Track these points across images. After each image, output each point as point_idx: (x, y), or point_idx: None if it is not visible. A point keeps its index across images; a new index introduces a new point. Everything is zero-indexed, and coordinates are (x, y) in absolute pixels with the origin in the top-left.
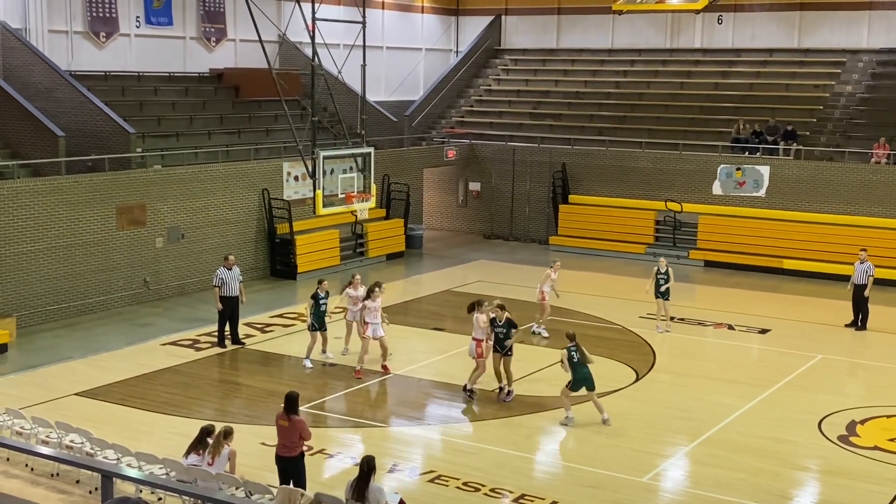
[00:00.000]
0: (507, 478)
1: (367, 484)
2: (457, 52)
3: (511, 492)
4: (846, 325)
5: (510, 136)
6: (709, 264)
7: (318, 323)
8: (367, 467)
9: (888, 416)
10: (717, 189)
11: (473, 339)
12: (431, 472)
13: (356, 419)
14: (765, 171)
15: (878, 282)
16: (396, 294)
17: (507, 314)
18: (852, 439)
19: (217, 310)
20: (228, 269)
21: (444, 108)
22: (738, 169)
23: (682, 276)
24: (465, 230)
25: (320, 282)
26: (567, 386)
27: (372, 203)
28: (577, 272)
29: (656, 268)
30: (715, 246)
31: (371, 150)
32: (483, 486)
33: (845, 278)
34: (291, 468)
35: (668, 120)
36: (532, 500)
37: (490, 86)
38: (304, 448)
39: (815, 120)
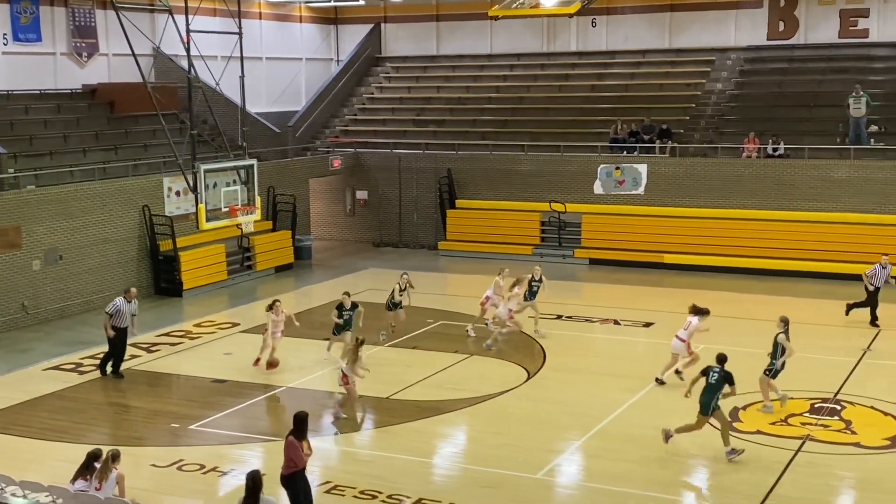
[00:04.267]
0: (404, 483)
1: (255, 499)
2: (338, 60)
3: (408, 497)
4: (871, 324)
5: (395, 143)
6: (594, 262)
7: (338, 330)
8: (253, 483)
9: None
10: (598, 188)
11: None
12: (328, 482)
13: (250, 434)
14: (643, 169)
15: (756, 272)
16: (287, 306)
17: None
18: (735, 425)
19: (108, 338)
20: (128, 302)
21: (327, 118)
22: (618, 168)
23: (568, 274)
24: (355, 239)
25: (345, 295)
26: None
27: (257, 216)
28: (467, 276)
29: (531, 275)
30: (599, 244)
31: (254, 162)
32: (380, 493)
33: (724, 270)
34: (284, 486)
35: (549, 122)
36: None
37: (373, 94)
38: (294, 469)
39: (688, 118)
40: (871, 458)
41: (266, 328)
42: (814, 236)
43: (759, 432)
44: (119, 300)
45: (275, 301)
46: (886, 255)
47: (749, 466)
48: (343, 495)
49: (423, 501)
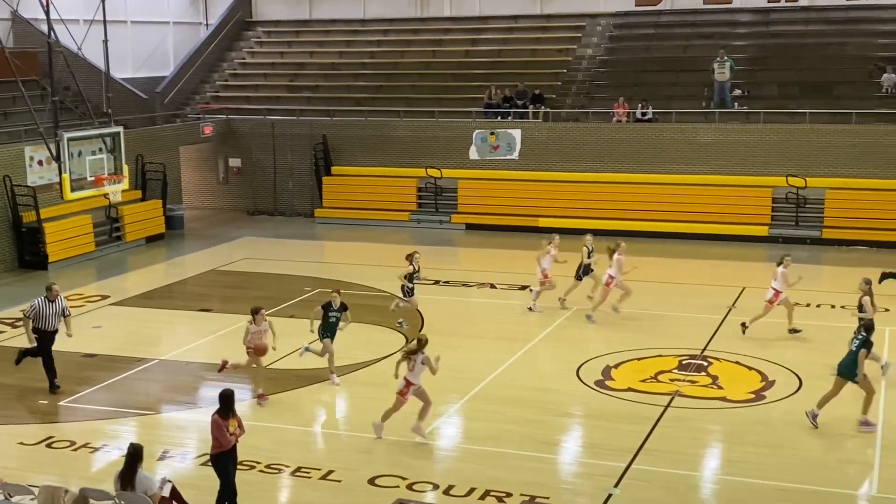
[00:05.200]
0: (283, 453)
1: (133, 472)
2: (206, 24)
3: (287, 466)
4: None
5: (268, 109)
6: (470, 227)
7: (325, 333)
8: (132, 456)
9: (639, 359)
10: (473, 154)
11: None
12: (205, 454)
13: (124, 409)
14: (517, 134)
15: (627, 233)
16: (159, 277)
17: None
18: (608, 383)
19: (30, 346)
20: (51, 301)
21: (196, 84)
22: (492, 133)
23: (445, 240)
24: (228, 207)
25: (335, 293)
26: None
27: (125, 185)
28: (344, 243)
29: (585, 247)
30: (475, 209)
31: (120, 129)
32: (259, 462)
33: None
34: (213, 467)
35: (423, 88)
36: (308, 472)
37: (244, 59)
38: (221, 449)
39: (560, 83)
40: (736, 411)
41: (246, 340)
42: (681, 198)
43: (630, 389)
44: (38, 301)
45: (259, 309)
46: None
47: (621, 422)
48: None
49: (303, 469)
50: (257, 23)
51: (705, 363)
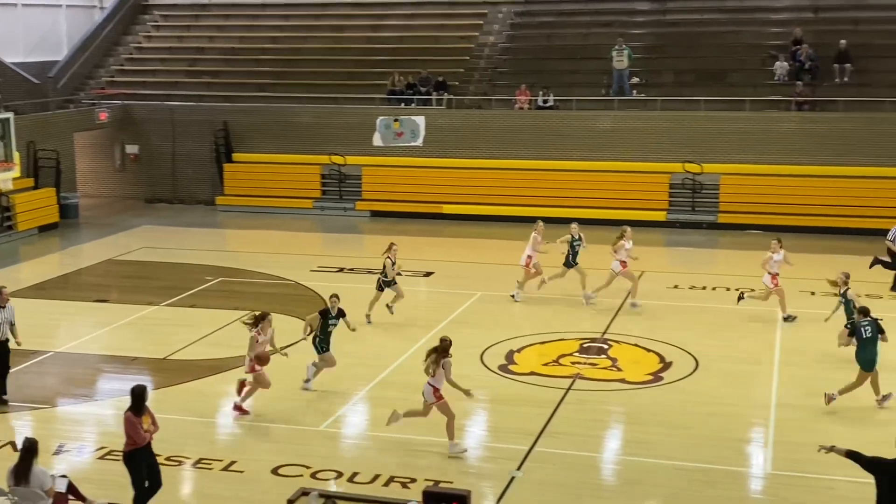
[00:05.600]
0: (186, 444)
1: (28, 466)
2: (101, 7)
3: (189, 458)
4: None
5: (166, 95)
6: (375, 214)
7: (323, 345)
8: (27, 450)
9: (542, 343)
10: (377, 140)
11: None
12: (102, 448)
13: (18, 403)
14: (420, 121)
15: (531, 220)
16: (53, 267)
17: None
18: (511, 367)
19: None
20: (1, 308)
21: (91, 69)
22: (396, 120)
23: (349, 227)
24: (126, 195)
25: (333, 298)
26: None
27: (16, 172)
28: (246, 231)
29: (570, 235)
30: (379, 196)
31: (10, 115)
32: (159, 455)
33: (501, 218)
34: (125, 465)
35: (326, 74)
36: (210, 463)
37: (140, 43)
38: (134, 446)
39: (462, 70)
40: (635, 392)
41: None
42: (582, 184)
43: (533, 373)
44: None
45: (265, 315)
46: None
47: (524, 405)
48: (118, 460)
49: (204, 461)
50: (154, 6)
51: (605, 346)
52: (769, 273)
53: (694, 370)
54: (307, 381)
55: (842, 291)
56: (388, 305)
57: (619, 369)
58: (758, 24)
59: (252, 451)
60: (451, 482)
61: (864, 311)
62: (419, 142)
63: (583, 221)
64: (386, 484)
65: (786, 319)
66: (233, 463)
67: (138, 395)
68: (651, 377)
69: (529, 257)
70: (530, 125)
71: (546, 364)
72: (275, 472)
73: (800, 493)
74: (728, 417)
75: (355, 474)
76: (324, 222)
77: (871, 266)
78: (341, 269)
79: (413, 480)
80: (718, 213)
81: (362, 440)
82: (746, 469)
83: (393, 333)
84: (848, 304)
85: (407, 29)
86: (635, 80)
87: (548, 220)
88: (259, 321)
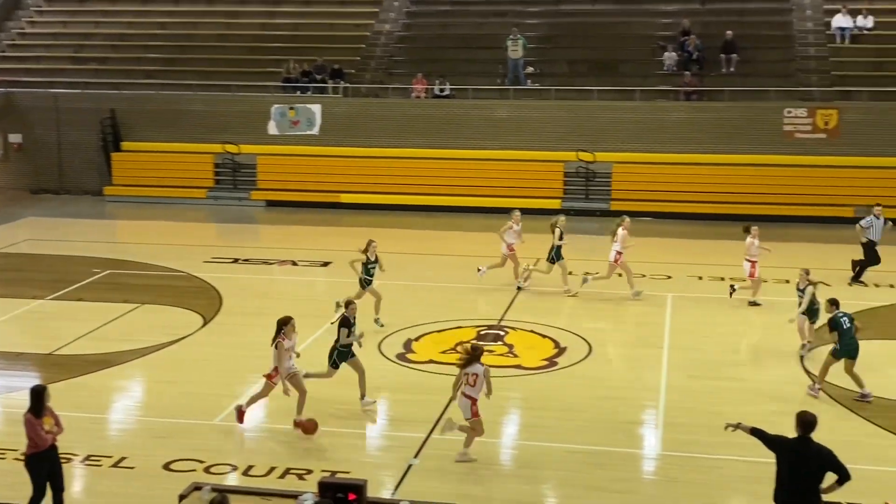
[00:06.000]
0: (73, 441)
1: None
2: None
3: (77, 454)
4: (854, 280)
5: (51, 82)
6: (271, 204)
7: (340, 358)
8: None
9: (439, 331)
10: (272, 129)
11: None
12: None
13: None
14: (317, 109)
15: (428, 209)
16: None
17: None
18: (409, 356)
19: None
20: None
21: None
22: (292, 108)
23: (244, 217)
24: (9, 186)
25: (348, 304)
26: (832, 354)
27: None
28: (136, 222)
29: (557, 229)
30: (275, 185)
31: None
32: None
33: (398, 207)
34: (26, 469)
35: (219, 61)
36: (99, 460)
37: (23, 29)
38: (35, 450)
39: (359, 58)
40: (531, 378)
41: (274, 370)
42: (479, 173)
43: (431, 361)
44: None
45: (289, 319)
46: (879, 204)
47: (422, 394)
48: (4, 458)
49: (93, 457)
50: None
51: (502, 333)
52: (748, 260)
53: (587, 355)
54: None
55: (802, 287)
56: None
57: (516, 355)
58: (647, 15)
59: (143, 446)
60: (349, 472)
61: (836, 303)
62: (315, 130)
63: (480, 210)
64: (282, 476)
65: (731, 293)
66: (123, 459)
67: (37, 395)
68: (546, 362)
69: (511, 245)
70: (427, 114)
71: (444, 352)
72: (166, 467)
73: (689, 473)
74: (620, 401)
75: (250, 467)
76: (218, 212)
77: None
78: (236, 260)
79: (309, 472)
80: (611, 201)
81: (257, 433)
82: (638, 451)
83: None
84: (809, 299)
85: (302, 16)
86: (530, 69)
87: (446, 210)
88: (282, 326)
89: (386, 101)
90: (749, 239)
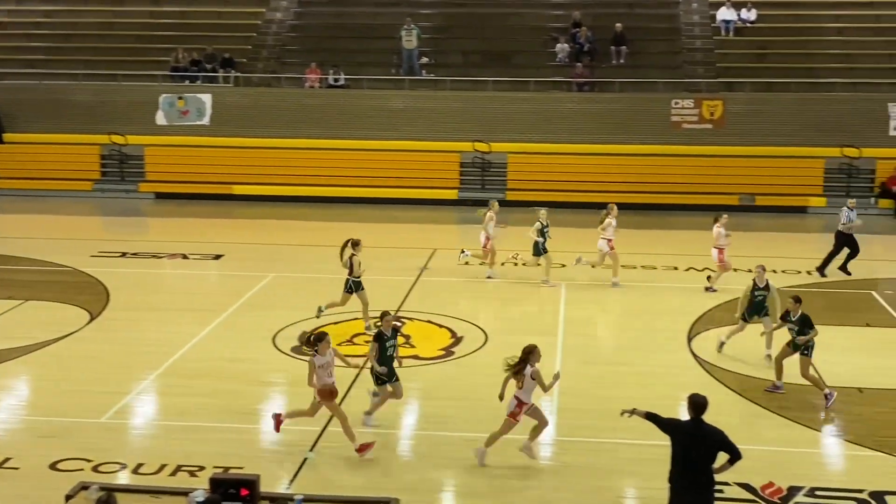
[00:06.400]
0: None
1: None
2: None
3: None
4: (841, 269)
5: None
6: (160, 196)
7: (386, 375)
8: None
9: (335, 323)
10: (160, 119)
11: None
12: None
13: None
14: (207, 99)
15: (323, 199)
16: None
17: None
18: (304, 348)
19: None
20: None
21: None
22: (181, 98)
23: (132, 210)
24: None
25: (383, 316)
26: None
27: None
28: (19, 216)
29: (539, 222)
30: (165, 177)
31: None
32: None
33: (293, 199)
34: None
35: (105, 50)
36: None
37: None
38: None
39: (250, 47)
40: (428, 367)
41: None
42: (374, 164)
43: None
44: None
45: (324, 335)
46: (853, 198)
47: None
48: None
49: None
50: None
51: (399, 323)
52: (716, 248)
53: (483, 343)
54: (369, 413)
55: (763, 285)
56: (366, 327)
57: (413, 346)
58: (540, 6)
59: (28, 446)
60: (242, 468)
61: (798, 300)
62: (206, 120)
63: (376, 201)
64: (173, 473)
65: (707, 290)
66: (7, 460)
67: None
68: (443, 352)
69: (488, 238)
70: (321, 104)
71: (340, 344)
72: (53, 467)
73: (583, 457)
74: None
75: (140, 465)
76: (105, 205)
77: (846, 273)
78: (124, 254)
79: (201, 468)
80: (507, 191)
81: (148, 430)
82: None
83: (180, 319)
84: (763, 296)
85: (190, 3)
86: (425, 60)
87: (340, 201)
88: (316, 343)
89: (279, 90)
90: (716, 228)
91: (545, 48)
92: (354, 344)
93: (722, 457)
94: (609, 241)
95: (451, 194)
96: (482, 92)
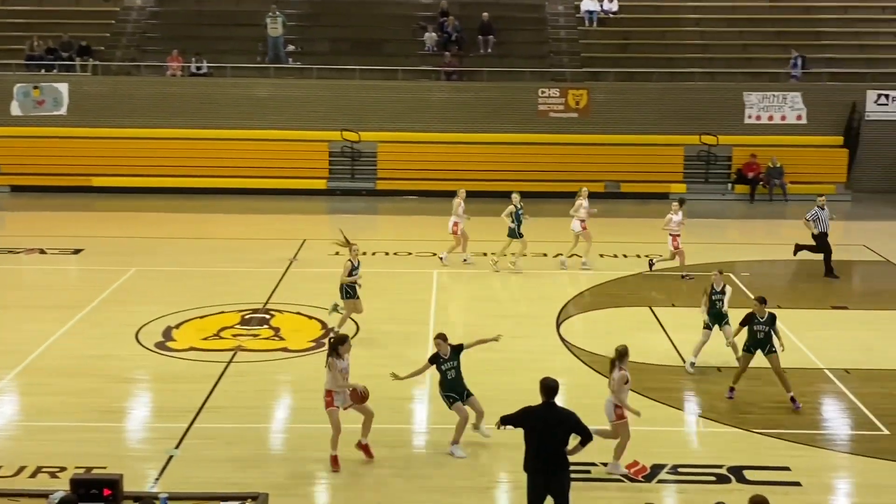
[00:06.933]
0: None
1: None
2: None
3: None
4: (826, 275)
5: None
6: (16, 189)
7: (450, 397)
8: None
9: (201, 318)
10: (15, 110)
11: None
12: None
13: None
14: (63, 88)
15: (187, 191)
16: None
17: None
18: (169, 344)
19: None
20: None
21: None
22: (36, 87)
23: None
24: None
25: (438, 339)
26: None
27: None
28: None
29: (512, 205)
30: (21, 169)
31: None
32: None
33: (156, 190)
34: None
35: None
36: None
37: None
38: None
39: (108, 35)
40: (298, 360)
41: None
42: (241, 153)
43: (192, 349)
44: None
45: (345, 338)
46: (822, 195)
47: (183, 382)
48: None
49: None
50: None
51: (268, 316)
52: (670, 235)
53: (354, 334)
54: (455, 443)
55: (720, 288)
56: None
57: (282, 338)
58: None
59: None
60: (105, 467)
61: (763, 300)
62: (63, 110)
63: (243, 191)
64: (33, 475)
65: (683, 277)
66: None
67: None
68: (314, 344)
69: (455, 224)
70: (184, 93)
71: (206, 338)
72: None
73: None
74: (386, 378)
75: None
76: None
77: (794, 253)
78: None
79: (63, 469)
80: (377, 181)
81: (6, 431)
82: (408, 426)
83: (39, 316)
84: (721, 300)
85: None
86: (291, 47)
87: (207, 192)
88: (338, 346)
89: (139, 79)
90: (668, 215)
91: (413, 37)
92: (221, 338)
93: (575, 438)
94: (582, 221)
95: (321, 184)
96: (350, 81)
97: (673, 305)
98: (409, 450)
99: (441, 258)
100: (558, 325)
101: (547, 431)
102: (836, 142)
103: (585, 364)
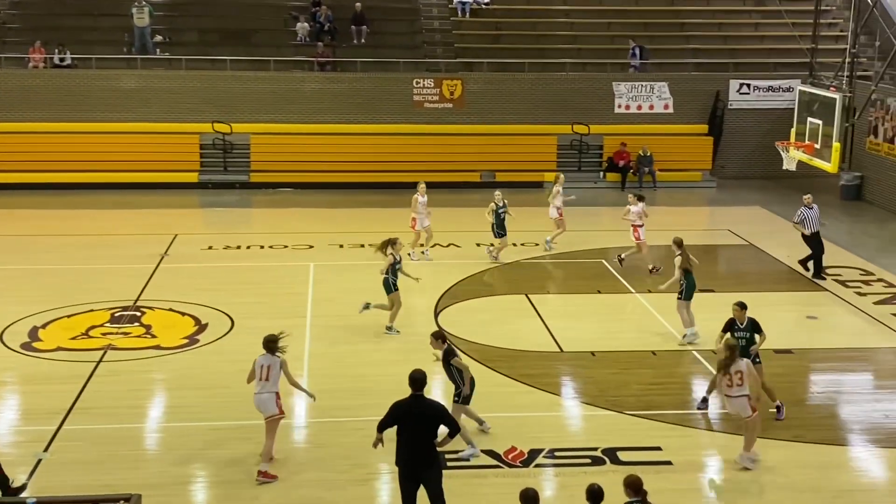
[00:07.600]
0: None
1: None
2: None
3: None
4: (813, 277)
5: None
6: None
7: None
8: None
9: (69, 316)
10: None
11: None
12: None
13: None
14: None
15: (56, 186)
16: None
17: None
18: (35, 345)
19: None
20: None
21: None
22: None
23: None
24: None
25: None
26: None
27: None
28: None
29: (493, 203)
30: None
31: None
32: None
33: (21, 186)
34: None
35: None
36: None
37: None
38: None
39: None
40: (170, 357)
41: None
42: (108, 147)
43: (59, 349)
44: None
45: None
46: (808, 194)
47: (51, 383)
48: None
49: None
50: None
51: (139, 313)
52: (632, 226)
53: (230, 330)
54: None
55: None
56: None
57: (154, 336)
58: None
59: None
60: None
61: (744, 305)
62: None
63: (110, 186)
64: None
65: (651, 271)
66: None
67: None
68: (187, 340)
69: (414, 219)
70: (47, 85)
71: (74, 338)
72: None
73: (337, 437)
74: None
75: None
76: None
77: (806, 268)
78: None
79: None
80: (251, 173)
81: None
82: (288, 420)
83: None
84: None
85: None
86: (158, 38)
87: (72, 187)
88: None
89: None
90: (628, 206)
91: (285, 27)
92: (90, 337)
93: (444, 430)
94: (559, 209)
95: (192, 177)
96: (220, 71)
97: (548, 293)
98: (287, 443)
99: (410, 254)
100: (436, 316)
101: (414, 422)
102: (701, 130)
103: (463, 352)
